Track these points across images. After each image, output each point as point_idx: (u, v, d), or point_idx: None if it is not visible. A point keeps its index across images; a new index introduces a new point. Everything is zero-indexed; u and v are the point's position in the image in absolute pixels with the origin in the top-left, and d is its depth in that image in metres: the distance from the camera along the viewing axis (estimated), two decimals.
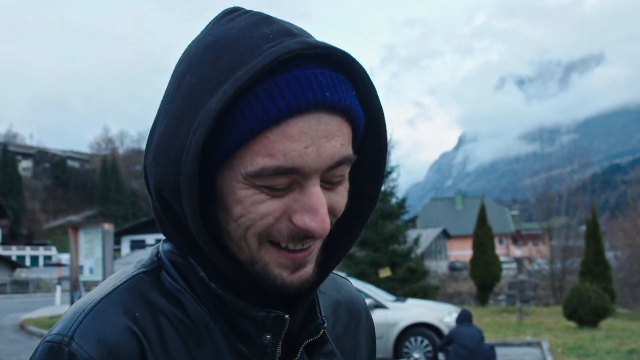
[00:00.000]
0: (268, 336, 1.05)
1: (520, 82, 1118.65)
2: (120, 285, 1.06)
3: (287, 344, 1.10)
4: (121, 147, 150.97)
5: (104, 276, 20.22)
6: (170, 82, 1.05)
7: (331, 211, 1.02)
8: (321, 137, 0.95)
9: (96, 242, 21.30)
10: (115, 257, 34.46)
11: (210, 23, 1.05)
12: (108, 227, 20.56)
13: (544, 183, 40.60)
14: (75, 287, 22.15)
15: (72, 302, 22.32)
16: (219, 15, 1.06)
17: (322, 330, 1.13)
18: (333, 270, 1.17)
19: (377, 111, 1.06)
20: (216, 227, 1.02)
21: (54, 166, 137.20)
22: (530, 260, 50.33)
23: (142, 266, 1.11)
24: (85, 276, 22.46)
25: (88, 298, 1.05)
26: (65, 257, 61.69)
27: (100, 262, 20.67)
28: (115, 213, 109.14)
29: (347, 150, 1.00)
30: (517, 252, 70.94)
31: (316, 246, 1.04)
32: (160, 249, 1.13)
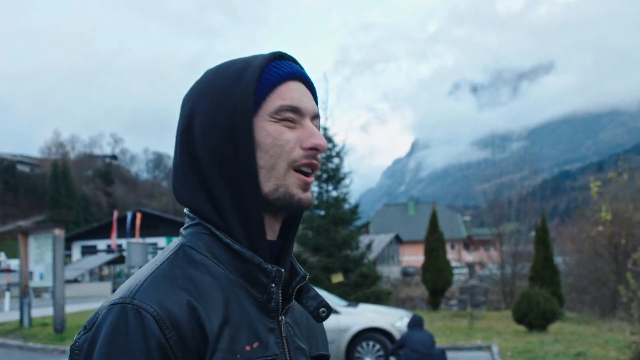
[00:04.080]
0: (273, 285, 1.41)
1: (474, 89, 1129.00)
2: (161, 264, 1.38)
3: (282, 292, 1.47)
4: (72, 151, 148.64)
5: (55, 282, 19.97)
6: (183, 114, 1.51)
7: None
8: (306, 95, 1.49)
9: (46, 247, 21.03)
10: (66, 263, 34.03)
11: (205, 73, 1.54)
12: (59, 232, 20.30)
13: (495, 189, 40.91)
14: (24, 293, 21.81)
15: (21, 309, 22.00)
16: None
17: (306, 276, 1.52)
18: None
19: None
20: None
21: (4, 170, 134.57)
22: (482, 265, 50.85)
23: (171, 250, 1.43)
24: (35, 282, 22.16)
25: (137, 276, 1.36)
26: (14, 263, 60.61)
27: (51, 267, 20.40)
28: (66, 218, 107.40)
29: (318, 110, 1.52)
30: (468, 257, 71.69)
31: (313, 177, 1.48)
32: (186, 232, 1.48)
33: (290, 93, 1.45)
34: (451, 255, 40.93)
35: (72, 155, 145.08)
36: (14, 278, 42.68)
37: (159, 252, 1.49)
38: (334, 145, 24.72)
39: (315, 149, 1.44)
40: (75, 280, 48.30)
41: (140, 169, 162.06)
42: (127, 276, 46.03)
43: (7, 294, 33.49)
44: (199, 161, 1.44)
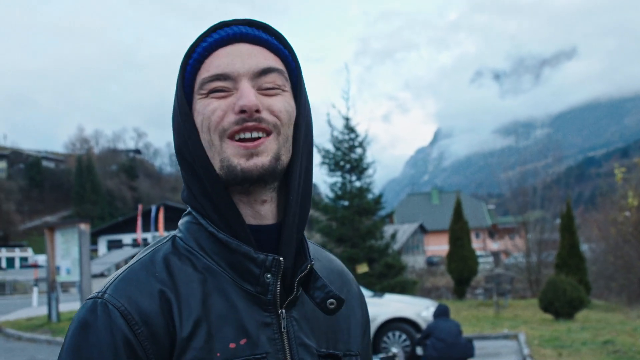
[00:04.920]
0: (268, 275, 1.33)
1: (496, 76, 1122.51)
2: (143, 256, 1.38)
3: (285, 284, 1.38)
4: (96, 146, 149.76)
5: (81, 277, 20.14)
6: None
7: (270, 109, 1.36)
8: (245, 55, 1.37)
9: (73, 242, 21.19)
10: (92, 258, 34.26)
11: None
12: (84, 227, 20.47)
13: (518, 177, 40.69)
14: (52, 288, 22.02)
15: (49, 304, 22.21)
16: None
17: (310, 265, 1.38)
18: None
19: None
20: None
21: (29, 167, 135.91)
22: (507, 253, 50.58)
23: (159, 241, 1.43)
24: (62, 277, 22.34)
25: (119, 269, 1.36)
26: (41, 258, 61.31)
27: (77, 262, 20.57)
28: (91, 213, 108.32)
29: (273, 63, 1.39)
30: (493, 246, 71.21)
31: (268, 141, 1.35)
32: (179, 223, 1.46)
33: (215, 62, 1.36)
34: (476, 244, 40.64)
35: (96, 150, 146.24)
36: (41, 273, 43.05)
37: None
38: (357, 136, 24.67)
39: (243, 111, 1.32)
40: (102, 275, 48.54)
41: (164, 163, 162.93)
42: None
43: (35, 289, 33.85)
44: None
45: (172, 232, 1.46)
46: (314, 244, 1.60)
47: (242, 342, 1.29)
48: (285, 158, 1.38)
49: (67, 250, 21.73)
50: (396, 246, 30.42)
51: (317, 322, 1.43)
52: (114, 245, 66.42)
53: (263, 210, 1.40)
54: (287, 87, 1.42)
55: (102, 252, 65.28)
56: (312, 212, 33.59)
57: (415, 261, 56.93)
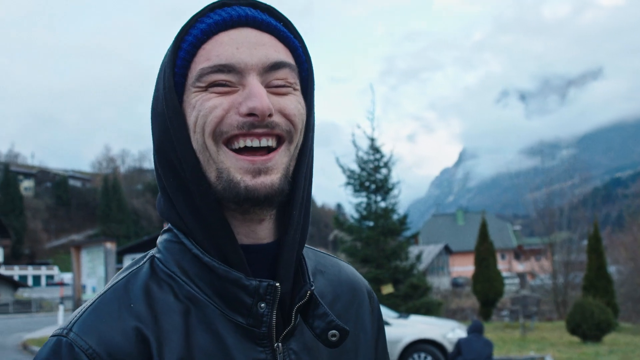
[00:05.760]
0: (262, 304, 1.14)
1: (522, 97, 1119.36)
2: (116, 282, 1.18)
3: (282, 311, 1.19)
4: (122, 165, 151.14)
5: None
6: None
7: (282, 112, 1.15)
8: (252, 43, 1.15)
9: (98, 261, 21.30)
10: None
11: None
12: (110, 246, 20.56)
13: (545, 198, 40.43)
14: (77, 306, 22.12)
15: None
16: None
17: (309, 292, 1.19)
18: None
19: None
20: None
21: (56, 186, 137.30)
22: (533, 275, 50.12)
23: (136, 262, 1.23)
24: (88, 295, 22.42)
25: (89, 300, 1.17)
26: (67, 277, 61.67)
27: (103, 281, 20.65)
28: (117, 232, 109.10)
29: (283, 57, 1.18)
30: (519, 267, 70.63)
31: (279, 155, 1.15)
32: (158, 241, 1.26)
33: (218, 49, 1.14)
34: (502, 265, 40.39)
35: (122, 170, 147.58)
36: (67, 291, 43.34)
37: (131, 261, 1.23)
38: (382, 156, 24.65)
39: (252, 115, 1.11)
40: None
41: None
42: None
43: (61, 307, 33.94)
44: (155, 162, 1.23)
45: (150, 252, 1.26)
46: (318, 251, 1.45)
47: None
48: (291, 170, 1.20)
49: (93, 268, 21.84)
50: (421, 267, 30.28)
51: (320, 352, 1.24)
52: None
53: (260, 230, 1.21)
54: (298, 85, 1.21)
55: None
56: (337, 232, 33.50)
57: (440, 282, 56.70)
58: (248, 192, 1.11)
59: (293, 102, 1.17)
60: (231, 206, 1.15)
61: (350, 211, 26.55)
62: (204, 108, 1.11)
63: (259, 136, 1.12)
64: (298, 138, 1.19)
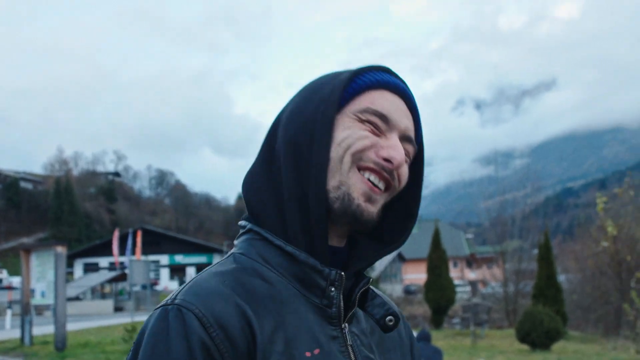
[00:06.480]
0: (332, 289, 1.33)
1: (477, 105, 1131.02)
2: (204, 272, 1.33)
3: (344, 299, 1.37)
4: (75, 168, 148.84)
5: (56, 300, 19.91)
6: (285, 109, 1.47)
7: (399, 175, 1.39)
8: (403, 111, 1.40)
9: (49, 265, 20.99)
10: (67, 280, 33.97)
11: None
12: (61, 250, 20.26)
13: (497, 206, 40.79)
14: (26, 311, 21.75)
15: (22, 327, 21.92)
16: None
17: (370, 278, 1.43)
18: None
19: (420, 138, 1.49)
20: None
21: (6, 187, 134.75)
22: (484, 283, 50.66)
23: (221, 260, 1.40)
24: (37, 300, 22.10)
25: (184, 284, 1.30)
26: (16, 280, 60.52)
27: (53, 285, 20.36)
28: (68, 235, 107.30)
29: (412, 134, 1.43)
30: (471, 275, 71.37)
31: (384, 197, 1.39)
32: (236, 242, 1.44)
33: (381, 100, 1.38)
34: (454, 273, 40.77)
35: (75, 172, 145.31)
36: (15, 295, 42.59)
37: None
38: None
39: (388, 161, 1.34)
40: (77, 298, 48.14)
41: (143, 186, 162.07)
42: (129, 294, 45.96)
43: (9, 312, 33.47)
44: (276, 151, 1.41)
45: (230, 251, 1.44)
46: None
47: (316, 352, 1.28)
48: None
49: (42, 272, 21.52)
50: (374, 274, 30.40)
51: (371, 339, 1.44)
52: (90, 268, 65.97)
53: (342, 235, 1.43)
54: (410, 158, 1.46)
55: (77, 275, 64.77)
56: None
57: (393, 289, 57.01)
58: (357, 210, 1.33)
59: (406, 171, 1.41)
60: (334, 214, 1.35)
61: None
62: (355, 133, 1.35)
63: (382, 179, 1.36)
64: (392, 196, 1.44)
